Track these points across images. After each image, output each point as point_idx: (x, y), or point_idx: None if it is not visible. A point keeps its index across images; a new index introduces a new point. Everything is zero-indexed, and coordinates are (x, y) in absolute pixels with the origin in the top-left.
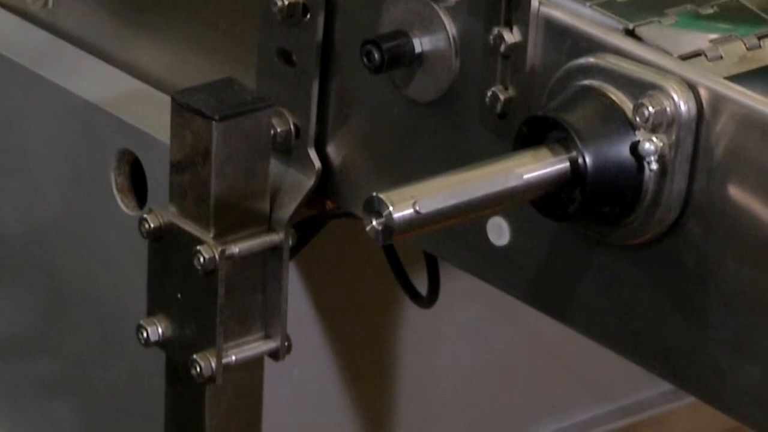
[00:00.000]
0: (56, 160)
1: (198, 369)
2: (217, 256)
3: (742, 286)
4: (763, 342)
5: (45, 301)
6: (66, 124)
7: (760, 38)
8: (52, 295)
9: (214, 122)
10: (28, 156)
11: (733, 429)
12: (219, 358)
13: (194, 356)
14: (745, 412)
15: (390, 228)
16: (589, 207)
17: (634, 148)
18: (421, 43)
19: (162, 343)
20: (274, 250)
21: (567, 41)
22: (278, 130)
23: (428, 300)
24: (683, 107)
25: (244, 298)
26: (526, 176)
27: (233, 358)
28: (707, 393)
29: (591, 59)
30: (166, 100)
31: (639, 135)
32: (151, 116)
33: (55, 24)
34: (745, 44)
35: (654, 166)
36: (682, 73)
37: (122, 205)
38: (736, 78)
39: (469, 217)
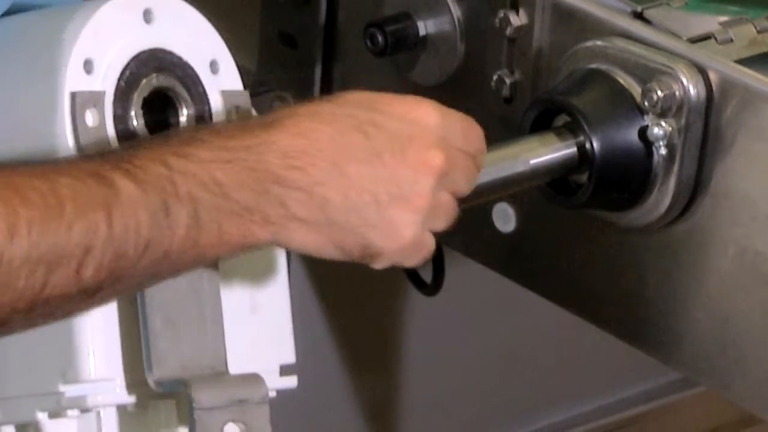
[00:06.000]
0: None
1: None
2: None
3: (755, 273)
4: None
5: None
6: None
7: None
8: None
9: None
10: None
11: (743, 419)
12: None
13: None
14: (757, 401)
15: None
16: (598, 193)
17: (643, 132)
18: (425, 26)
19: None
20: None
21: (574, 24)
22: None
23: (433, 288)
24: (692, 91)
25: None
26: (532, 161)
27: None
28: (718, 382)
29: (599, 42)
30: None
31: (647, 119)
32: None
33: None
34: (755, 27)
35: (663, 150)
36: (692, 56)
37: None
38: (746, 61)
39: (474, 202)
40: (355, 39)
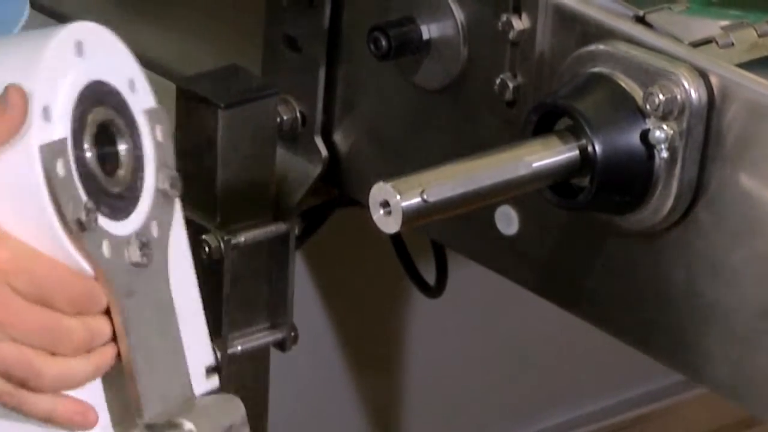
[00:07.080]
0: None
1: None
2: (222, 246)
3: (756, 275)
4: None
5: None
6: None
7: None
8: None
9: (219, 110)
10: None
11: (744, 420)
12: (224, 348)
13: None
14: (758, 402)
15: (397, 217)
16: (600, 196)
17: (645, 136)
18: (428, 30)
19: None
20: (281, 239)
21: (576, 28)
22: (284, 117)
23: (436, 290)
24: (694, 95)
25: (250, 288)
26: (535, 164)
27: (239, 348)
28: (719, 384)
29: (601, 46)
30: (171, 87)
31: (649, 123)
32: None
33: (60, 11)
34: (756, 31)
35: (664, 154)
36: (693, 60)
37: None
38: (747, 65)
39: (477, 205)
40: (358, 43)
